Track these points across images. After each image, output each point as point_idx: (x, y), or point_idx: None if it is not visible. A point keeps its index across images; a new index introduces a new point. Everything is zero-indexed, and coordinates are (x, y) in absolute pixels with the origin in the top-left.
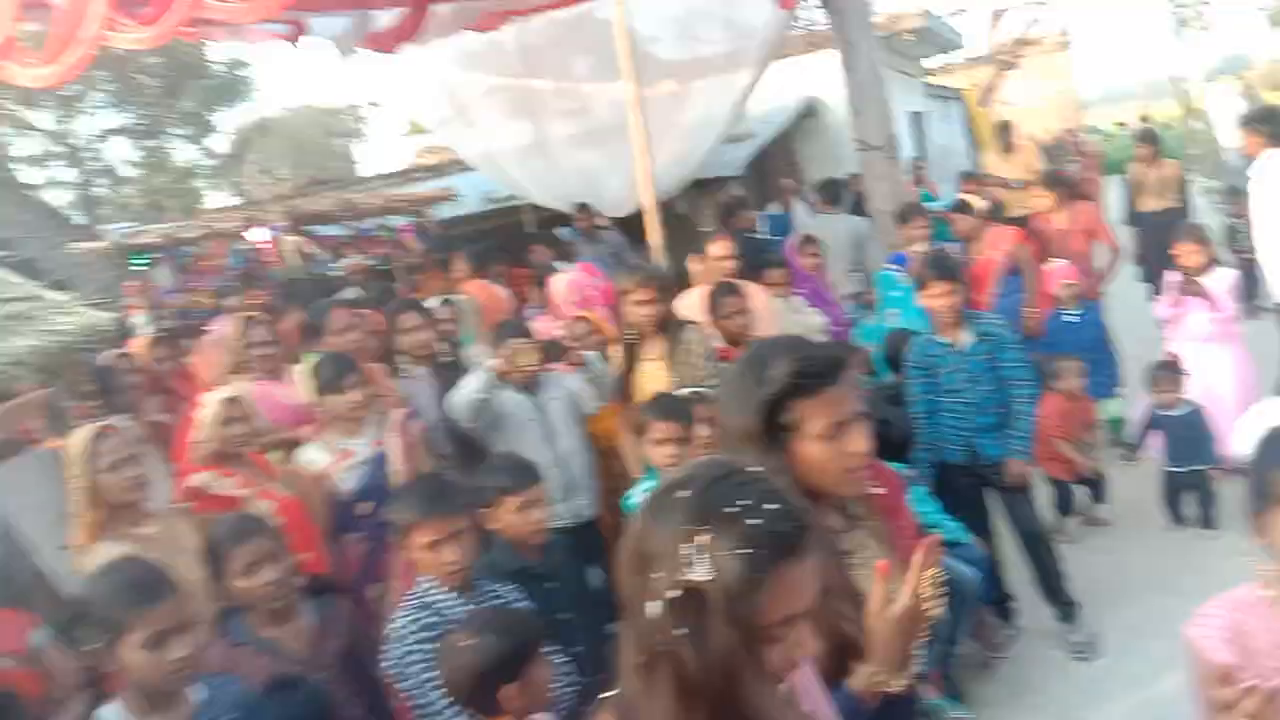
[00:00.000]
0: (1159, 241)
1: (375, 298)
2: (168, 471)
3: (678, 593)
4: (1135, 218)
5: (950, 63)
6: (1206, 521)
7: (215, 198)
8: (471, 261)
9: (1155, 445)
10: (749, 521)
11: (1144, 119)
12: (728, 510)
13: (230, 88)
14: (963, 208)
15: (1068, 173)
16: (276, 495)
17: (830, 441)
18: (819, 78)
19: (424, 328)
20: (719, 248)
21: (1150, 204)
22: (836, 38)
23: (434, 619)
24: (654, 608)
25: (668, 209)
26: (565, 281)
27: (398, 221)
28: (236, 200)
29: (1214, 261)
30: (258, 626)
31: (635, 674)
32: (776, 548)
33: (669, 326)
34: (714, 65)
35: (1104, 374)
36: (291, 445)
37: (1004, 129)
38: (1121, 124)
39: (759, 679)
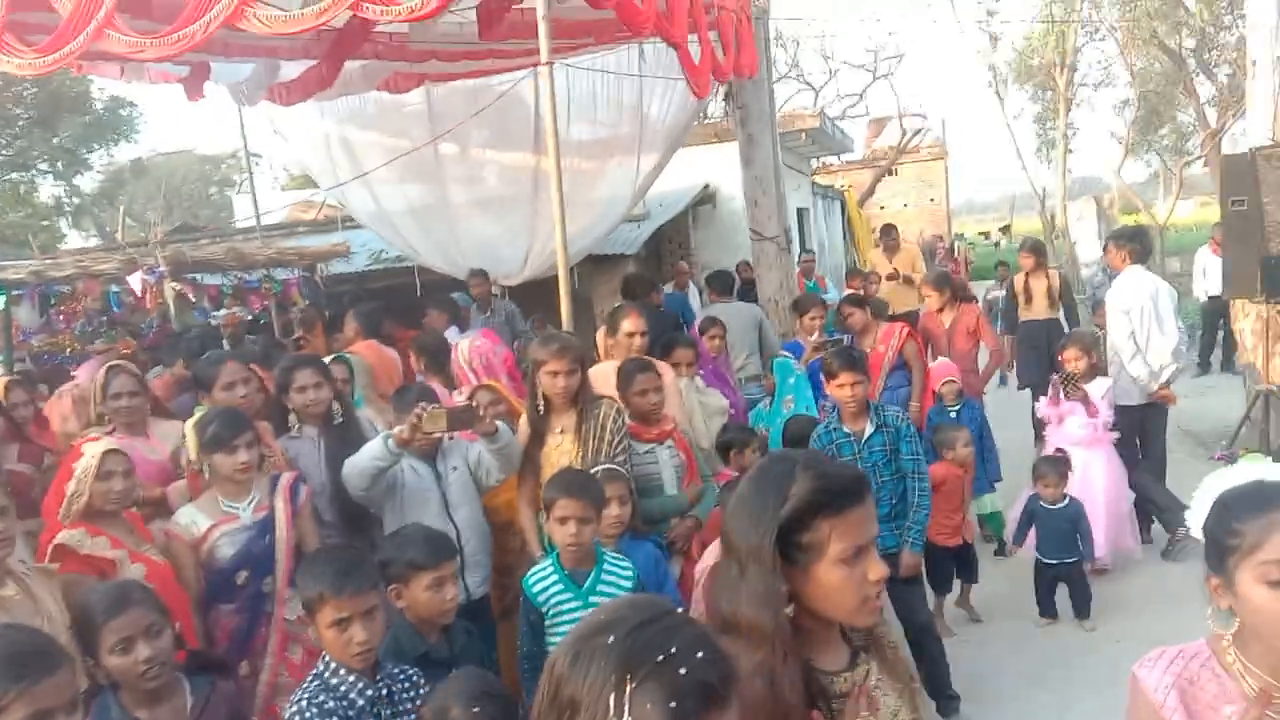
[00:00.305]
0: (1040, 347)
1: (261, 352)
2: (25, 527)
3: None
4: (1016, 325)
5: (831, 164)
6: (1079, 612)
7: (76, 237)
8: (362, 321)
9: (1031, 538)
10: (678, 670)
11: (1004, 230)
12: (656, 658)
13: (108, 125)
14: (856, 301)
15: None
16: (148, 559)
17: (851, 566)
18: (717, 167)
19: (321, 386)
20: (631, 323)
21: (1032, 312)
22: (740, 131)
23: (334, 703)
24: None
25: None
26: (469, 347)
27: (284, 274)
28: (96, 240)
29: (1095, 369)
30: (132, 706)
31: None
32: (704, 698)
33: (581, 400)
34: (620, 147)
35: (982, 469)
36: (154, 505)
37: (888, 230)
38: (985, 234)
39: None
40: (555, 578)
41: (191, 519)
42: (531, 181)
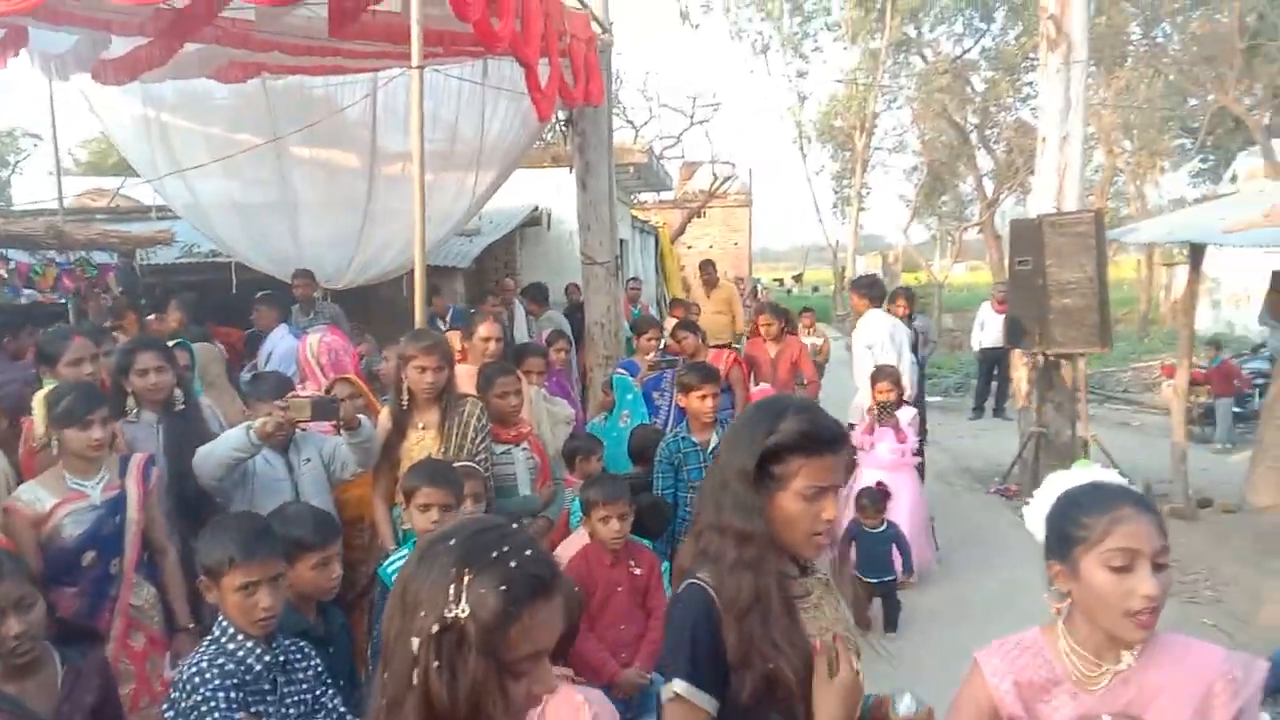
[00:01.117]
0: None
1: (90, 331)
2: None
3: (437, 628)
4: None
5: (646, 201)
6: (889, 626)
7: None
8: (186, 311)
9: (852, 556)
10: (509, 564)
11: (797, 278)
12: (491, 555)
13: None
14: (689, 327)
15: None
16: None
17: (809, 502)
18: (549, 190)
19: (164, 370)
20: (487, 328)
21: None
22: (578, 158)
23: (232, 665)
24: (414, 644)
25: (389, 288)
26: (319, 342)
27: (102, 258)
28: None
29: (902, 399)
30: (0, 680)
31: (382, 714)
32: (531, 588)
33: (447, 397)
34: (459, 161)
35: None
36: None
37: (708, 266)
38: (779, 280)
39: (504, 711)
40: None
41: (34, 495)
42: (366, 187)
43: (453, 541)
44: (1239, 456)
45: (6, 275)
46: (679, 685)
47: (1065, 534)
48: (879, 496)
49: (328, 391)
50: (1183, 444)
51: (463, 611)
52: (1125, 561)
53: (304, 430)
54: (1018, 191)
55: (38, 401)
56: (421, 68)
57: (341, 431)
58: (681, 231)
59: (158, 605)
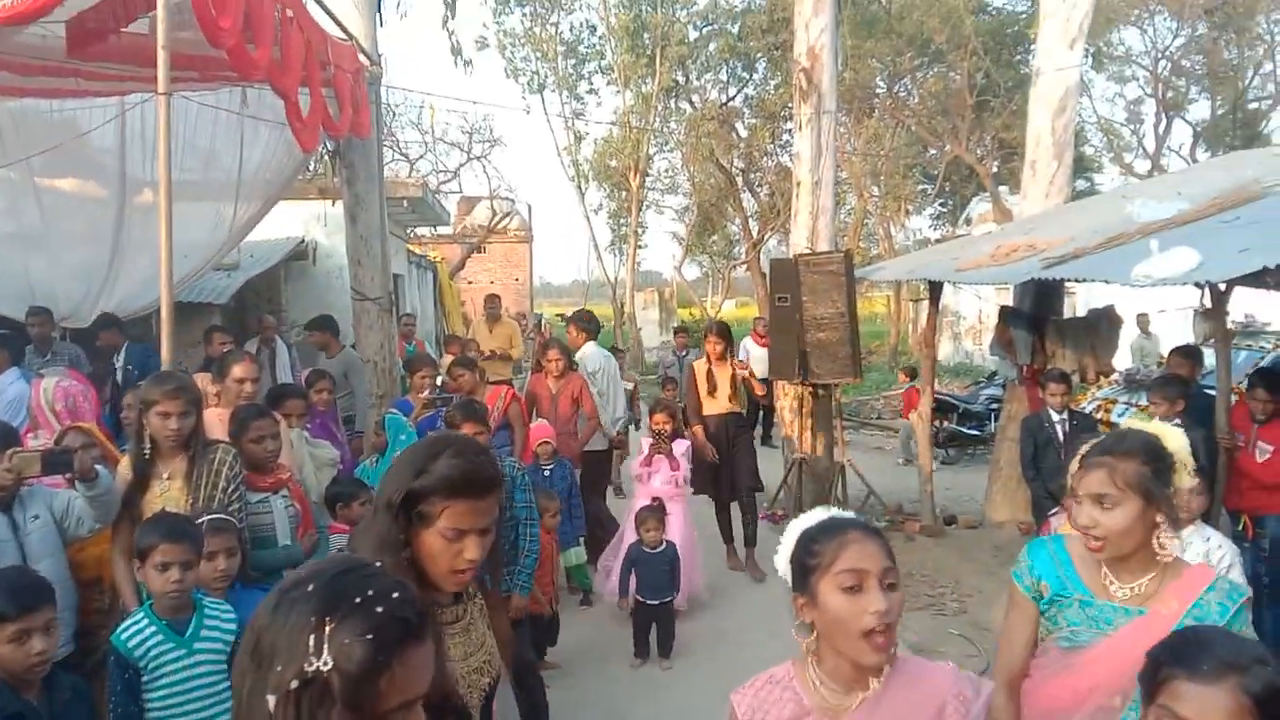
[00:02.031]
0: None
1: None
2: None
3: (296, 683)
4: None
5: (424, 236)
6: (662, 651)
7: None
8: None
9: (633, 582)
10: (375, 609)
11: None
12: (355, 599)
13: None
14: (466, 364)
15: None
16: None
17: (451, 542)
18: (316, 223)
19: None
20: (241, 369)
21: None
22: (346, 190)
23: None
24: (270, 702)
25: (138, 326)
26: (54, 386)
27: None
28: None
29: (677, 431)
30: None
31: None
32: (400, 633)
33: (194, 444)
34: (212, 191)
35: (569, 525)
36: None
37: (492, 300)
38: (561, 315)
39: None
40: (153, 629)
41: None
42: (114, 218)
43: (311, 587)
44: (977, 476)
45: None
46: None
47: (802, 564)
48: (658, 511)
49: (58, 441)
50: (928, 466)
51: (325, 664)
52: (855, 581)
53: (30, 485)
54: (779, 232)
55: None
56: (168, 94)
57: (76, 485)
58: (461, 266)
59: None
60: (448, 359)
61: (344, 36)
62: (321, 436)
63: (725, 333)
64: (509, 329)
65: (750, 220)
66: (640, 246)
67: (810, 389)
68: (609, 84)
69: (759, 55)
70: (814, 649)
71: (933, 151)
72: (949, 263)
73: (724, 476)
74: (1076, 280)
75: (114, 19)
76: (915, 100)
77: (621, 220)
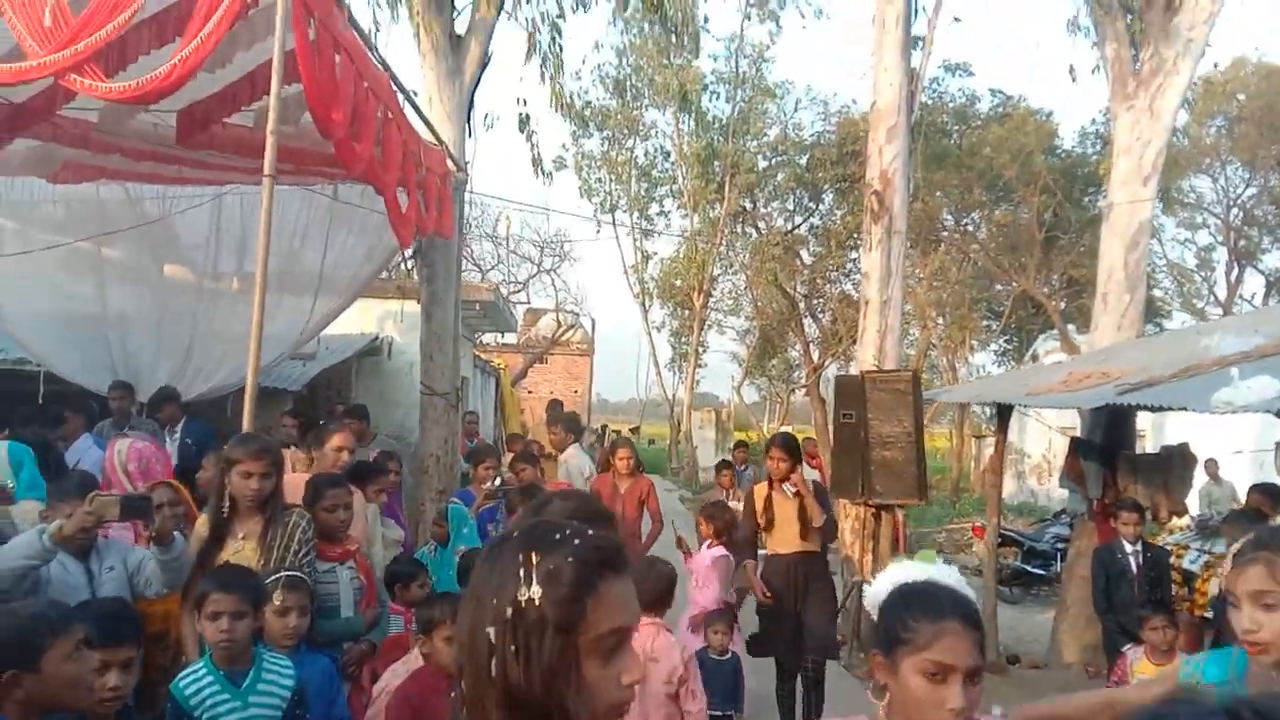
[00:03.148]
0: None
1: None
2: None
3: (511, 611)
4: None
5: (488, 344)
6: None
7: None
8: None
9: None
10: (574, 541)
11: (634, 431)
12: (555, 536)
13: None
14: (528, 459)
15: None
16: None
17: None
18: (390, 321)
19: None
20: (340, 439)
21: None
22: (424, 288)
23: None
24: (490, 633)
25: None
26: (127, 447)
27: None
28: None
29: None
30: None
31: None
32: (599, 559)
33: (272, 506)
34: (295, 284)
35: None
36: None
37: (554, 405)
38: (618, 430)
39: (583, 692)
40: (210, 679)
41: None
42: (195, 300)
43: (516, 534)
44: (1042, 616)
45: None
46: None
47: (892, 632)
48: (727, 615)
49: (151, 490)
50: (993, 601)
51: (535, 592)
52: (939, 671)
53: (107, 538)
54: (841, 359)
55: None
56: (273, 176)
57: (152, 546)
58: (523, 375)
59: None
60: (508, 456)
61: (435, 141)
62: (388, 517)
63: (792, 446)
64: None
65: (811, 345)
66: (700, 365)
67: (873, 510)
68: (678, 207)
69: (826, 185)
70: (889, 709)
71: (999, 287)
72: (1019, 388)
73: (787, 635)
74: (1150, 408)
75: (221, 109)
76: (983, 234)
77: (683, 338)
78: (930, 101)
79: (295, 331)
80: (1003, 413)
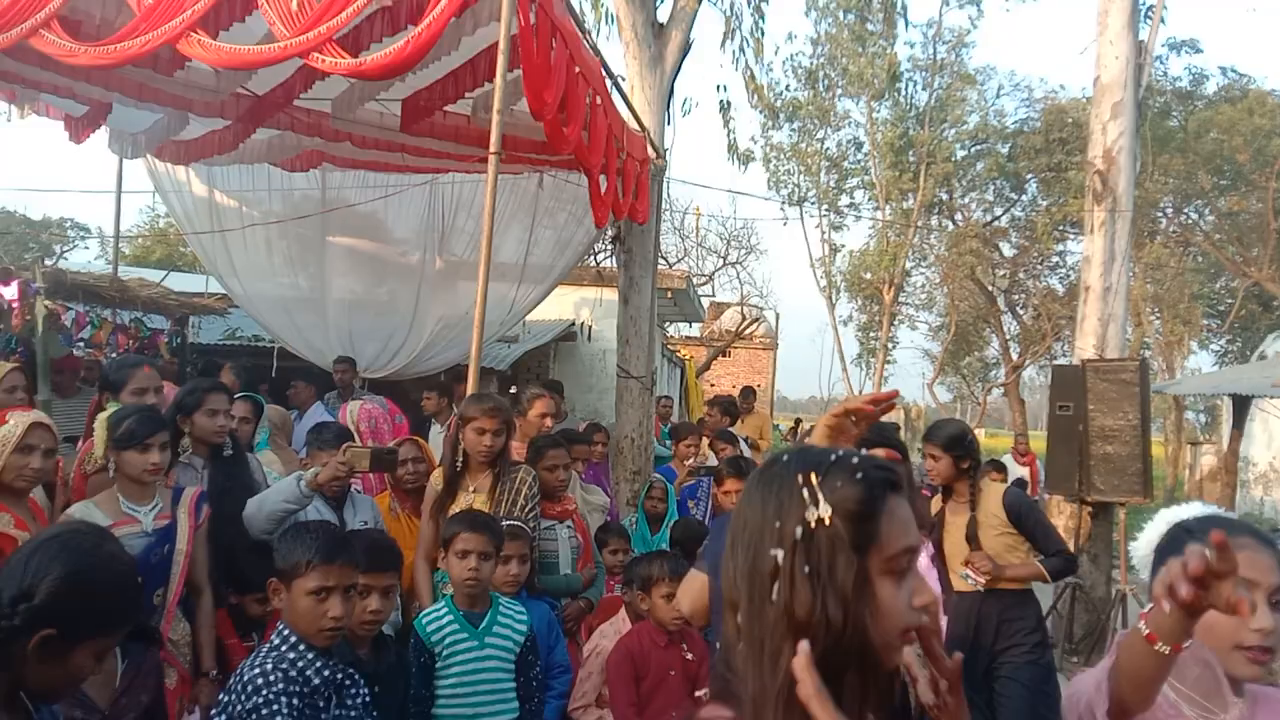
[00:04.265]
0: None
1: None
2: None
3: (801, 531)
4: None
5: (671, 336)
6: None
7: None
8: (238, 374)
9: None
10: (852, 460)
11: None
12: (829, 457)
13: None
14: (728, 438)
15: None
16: None
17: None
18: (587, 307)
19: (228, 414)
20: (542, 405)
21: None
22: (623, 273)
23: (294, 674)
24: (778, 556)
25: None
26: (358, 408)
27: (157, 322)
28: None
29: None
30: None
31: (733, 652)
32: (885, 481)
33: (501, 462)
34: (503, 271)
35: None
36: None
37: (748, 392)
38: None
39: (877, 616)
40: (450, 618)
41: (88, 515)
42: (416, 282)
43: (784, 458)
44: None
45: (68, 325)
46: None
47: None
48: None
49: (399, 445)
50: None
51: (824, 511)
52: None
53: (360, 491)
54: (1045, 357)
55: (99, 423)
56: (499, 154)
57: None
58: (707, 368)
59: (190, 644)
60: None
61: (637, 128)
62: (594, 484)
63: (964, 445)
64: (761, 420)
65: (1010, 343)
66: (888, 362)
67: (1089, 508)
68: (869, 199)
69: (1029, 175)
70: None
71: (1220, 283)
72: (1263, 379)
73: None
74: None
75: (443, 96)
76: (1208, 223)
77: (871, 334)
78: (1152, 82)
79: (502, 315)
80: (1239, 409)
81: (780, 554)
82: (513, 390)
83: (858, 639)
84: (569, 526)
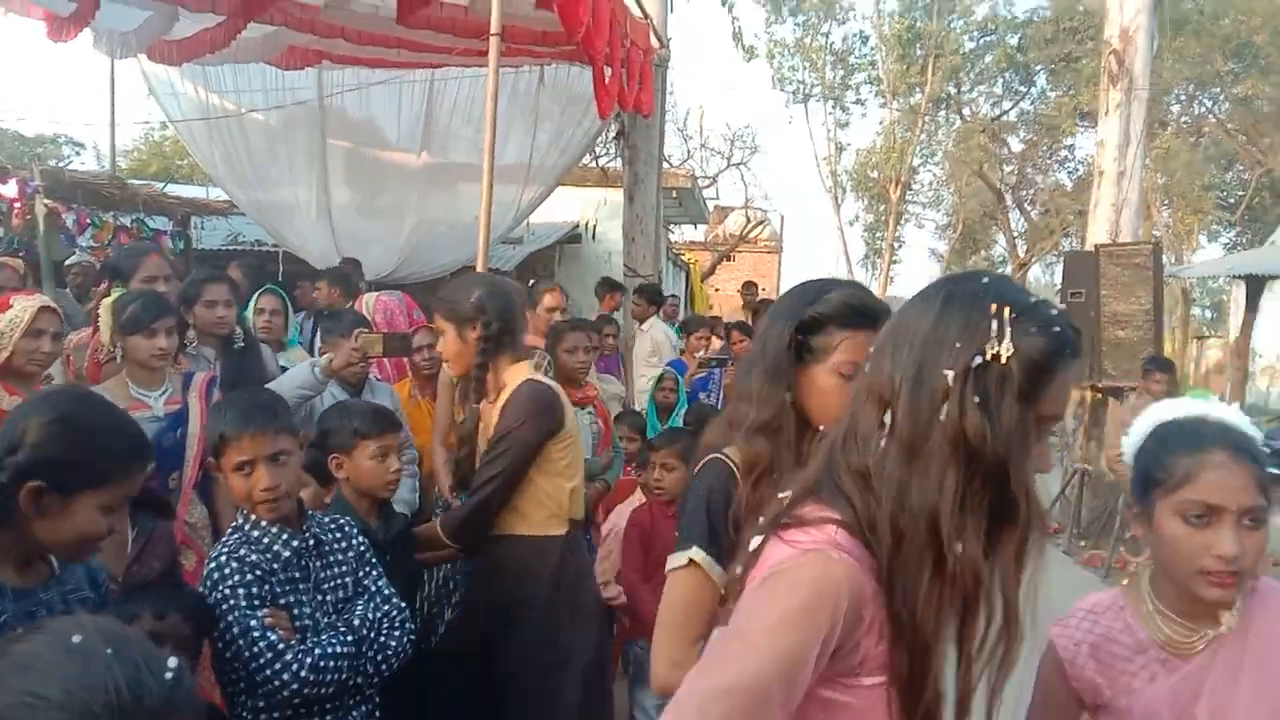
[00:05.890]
0: None
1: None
2: None
3: (979, 360)
4: None
5: (675, 241)
6: None
7: None
8: (248, 273)
9: None
10: (1050, 311)
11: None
12: (1029, 299)
13: None
14: (745, 330)
15: None
16: None
17: (845, 380)
18: (591, 208)
19: (230, 305)
20: (551, 298)
21: None
22: (627, 170)
23: (256, 555)
24: (948, 376)
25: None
26: (374, 300)
27: (159, 223)
28: None
29: None
30: None
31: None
32: (1072, 342)
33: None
34: (505, 172)
35: None
36: None
37: (749, 287)
38: None
39: (1030, 462)
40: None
41: None
42: (418, 183)
43: (985, 279)
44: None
45: (69, 225)
46: (695, 553)
47: (1147, 473)
48: None
49: (412, 332)
50: None
51: (1008, 349)
52: (1203, 513)
53: (380, 379)
54: (1052, 254)
55: (105, 308)
56: (500, 35)
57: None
58: (711, 272)
59: (209, 526)
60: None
61: (640, 16)
62: (608, 374)
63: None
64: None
65: (1018, 240)
66: (894, 261)
67: (1098, 393)
68: (876, 95)
69: (1039, 67)
70: (1152, 573)
71: (1232, 174)
72: (1278, 261)
73: None
74: None
75: None
76: (1223, 110)
77: (878, 234)
78: None
79: (507, 217)
80: (1252, 292)
81: (952, 375)
82: (532, 283)
83: (1012, 479)
84: (590, 412)
